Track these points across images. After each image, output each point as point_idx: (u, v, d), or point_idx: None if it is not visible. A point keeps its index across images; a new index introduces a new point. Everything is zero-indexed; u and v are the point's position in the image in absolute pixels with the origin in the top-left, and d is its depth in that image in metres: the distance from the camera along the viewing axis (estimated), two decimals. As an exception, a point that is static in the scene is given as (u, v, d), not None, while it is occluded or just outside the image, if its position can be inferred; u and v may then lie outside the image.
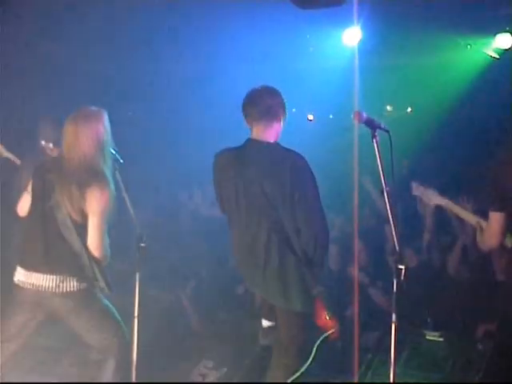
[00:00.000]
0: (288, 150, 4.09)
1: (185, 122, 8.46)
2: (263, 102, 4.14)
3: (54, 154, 4.60)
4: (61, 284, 4.15)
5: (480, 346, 5.10)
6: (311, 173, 4.02)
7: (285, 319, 4.21)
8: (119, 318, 4.39)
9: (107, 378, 4.38)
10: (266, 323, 4.40)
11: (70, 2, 5.91)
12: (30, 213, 4.34)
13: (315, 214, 4.03)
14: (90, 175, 4.12)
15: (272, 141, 4.16)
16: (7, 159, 5.35)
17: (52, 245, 4.20)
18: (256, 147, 4.16)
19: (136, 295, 4.41)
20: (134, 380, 4.41)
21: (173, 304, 6.34)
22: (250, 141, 4.20)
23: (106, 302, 4.35)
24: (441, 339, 5.22)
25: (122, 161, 4.44)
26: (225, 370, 5.24)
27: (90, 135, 4.17)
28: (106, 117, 4.27)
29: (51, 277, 4.15)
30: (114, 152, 4.41)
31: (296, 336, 4.20)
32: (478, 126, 7.72)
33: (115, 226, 6.38)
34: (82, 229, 4.17)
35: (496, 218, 3.99)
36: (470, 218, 4.53)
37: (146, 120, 8.64)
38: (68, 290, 4.17)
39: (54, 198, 4.17)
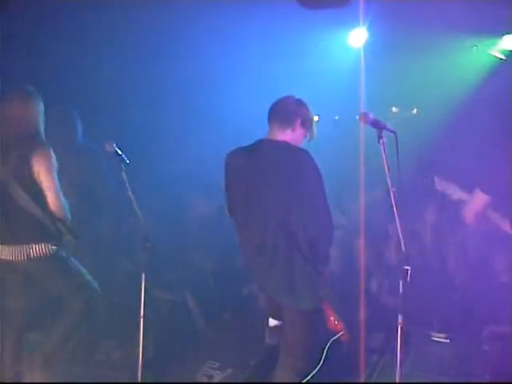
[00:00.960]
0: (294, 148, 4.16)
1: (193, 123, 8.46)
2: (280, 108, 4.28)
3: None
4: (28, 251, 4.62)
5: (486, 347, 5.09)
6: (317, 169, 4.07)
7: (291, 319, 4.22)
8: (88, 277, 4.88)
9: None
10: (272, 322, 4.41)
11: (84, 5, 5.93)
12: None
13: (320, 210, 4.07)
14: (32, 145, 4.56)
15: (284, 139, 4.22)
16: None
17: (13, 218, 4.63)
18: (265, 146, 4.23)
19: (142, 296, 4.42)
20: (139, 380, 4.42)
21: (178, 304, 6.34)
22: (261, 140, 4.28)
23: (75, 262, 4.82)
24: (447, 340, 5.21)
25: (128, 161, 4.47)
26: (230, 370, 5.23)
27: (24, 111, 4.63)
28: (36, 95, 4.72)
29: (18, 247, 4.62)
30: (119, 152, 4.45)
31: (302, 336, 4.20)
32: (483, 127, 7.69)
33: (121, 224, 6.39)
34: (37, 195, 4.56)
35: (479, 198, 4.15)
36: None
37: (154, 121, 8.63)
38: (35, 255, 4.62)
39: (7, 181, 4.56)
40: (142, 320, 4.42)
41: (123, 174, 4.44)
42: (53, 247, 4.68)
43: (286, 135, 4.22)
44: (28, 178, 4.54)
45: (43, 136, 4.71)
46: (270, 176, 4.11)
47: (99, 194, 6.02)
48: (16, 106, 4.66)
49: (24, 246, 4.62)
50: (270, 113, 4.31)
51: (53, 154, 4.58)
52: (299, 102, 4.32)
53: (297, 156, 4.10)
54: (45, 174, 4.54)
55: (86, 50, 7.19)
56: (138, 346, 4.40)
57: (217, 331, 5.78)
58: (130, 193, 4.42)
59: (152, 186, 7.26)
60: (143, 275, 4.43)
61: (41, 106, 4.74)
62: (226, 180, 4.38)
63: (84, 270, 4.86)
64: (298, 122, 4.24)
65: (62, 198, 4.64)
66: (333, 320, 4.31)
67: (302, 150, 4.13)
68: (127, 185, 4.42)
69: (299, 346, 4.20)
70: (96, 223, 6.07)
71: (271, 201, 4.09)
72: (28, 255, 4.62)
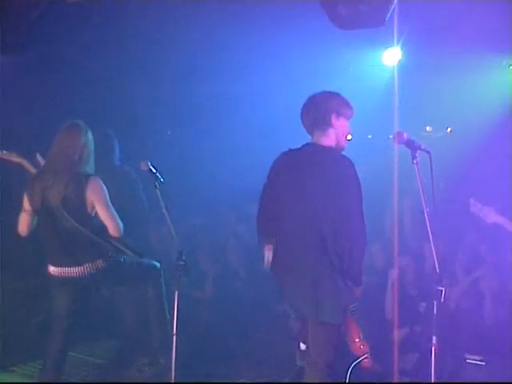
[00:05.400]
0: (339, 155, 4.16)
1: (226, 141, 8.51)
2: (311, 114, 4.26)
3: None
4: (90, 269, 4.84)
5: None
6: (357, 179, 4.05)
7: (314, 332, 4.17)
8: (149, 262, 5.28)
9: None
10: (303, 346, 4.37)
11: (116, 24, 6.04)
12: (40, 225, 4.93)
13: (352, 218, 4.02)
14: (80, 175, 4.78)
15: (329, 144, 4.22)
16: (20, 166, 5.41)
17: (69, 244, 4.82)
18: (311, 149, 4.25)
19: (175, 313, 4.42)
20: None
21: (210, 322, 6.35)
22: (307, 144, 4.30)
23: (132, 259, 5.08)
24: (482, 363, 5.12)
25: (162, 179, 4.51)
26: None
27: (73, 144, 4.83)
28: (87, 129, 4.95)
29: (79, 268, 4.83)
30: (154, 170, 4.50)
31: (324, 353, 4.14)
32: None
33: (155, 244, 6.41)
34: (84, 218, 4.78)
35: None
36: None
37: (186, 139, 8.70)
38: (97, 269, 4.84)
39: (54, 205, 4.74)
40: (174, 338, 4.42)
41: (158, 192, 4.48)
42: (110, 261, 4.91)
43: (329, 135, 4.23)
44: (77, 205, 4.75)
45: (91, 165, 4.92)
46: (306, 178, 4.10)
47: (133, 216, 6.07)
48: (63, 137, 4.88)
49: (85, 266, 4.83)
50: (303, 120, 4.33)
51: (103, 184, 4.83)
52: (324, 97, 4.32)
53: (339, 162, 4.09)
54: (101, 204, 4.79)
55: (120, 68, 7.31)
56: (171, 364, 4.40)
57: (250, 349, 5.76)
58: (164, 210, 4.46)
59: (185, 203, 7.31)
60: (176, 293, 4.44)
61: (88, 138, 4.92)
62: (269, 180, 4.38)
63: (136, 258, 5.12)
64: (335, 115, 4.25)
65: (119, 221, 4.85)
66: (358, 342, 4.21)
67: (344, 157, 4.12)
68: (161, 202, 4.46)
69: (321, 361, 4.14)
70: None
71: (305, 204, 4.07)
72: (88, 272, 4.83)
